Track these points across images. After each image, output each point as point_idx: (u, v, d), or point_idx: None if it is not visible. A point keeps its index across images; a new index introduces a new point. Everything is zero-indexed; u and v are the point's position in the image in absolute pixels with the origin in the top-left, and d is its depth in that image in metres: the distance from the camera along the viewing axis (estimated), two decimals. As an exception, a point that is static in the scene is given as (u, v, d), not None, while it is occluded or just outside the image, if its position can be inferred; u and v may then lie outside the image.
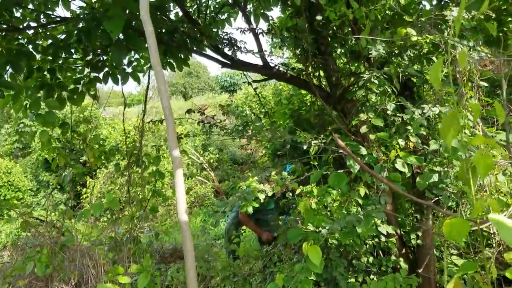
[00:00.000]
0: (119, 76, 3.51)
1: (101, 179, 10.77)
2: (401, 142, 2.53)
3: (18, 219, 3.08)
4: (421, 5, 3.59)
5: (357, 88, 2.75)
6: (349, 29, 3.27)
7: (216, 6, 4.34)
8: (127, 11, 2.78)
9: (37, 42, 3.30)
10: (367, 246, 2.99)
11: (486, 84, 2.42)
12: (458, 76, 2.21)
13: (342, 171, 2.58)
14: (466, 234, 0.96)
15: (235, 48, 3.67)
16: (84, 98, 3.57)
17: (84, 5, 3.34)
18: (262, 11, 4.01)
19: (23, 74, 3.17)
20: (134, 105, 21.60)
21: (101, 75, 3.51)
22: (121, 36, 2.94)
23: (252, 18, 4.01)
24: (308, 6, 3.24)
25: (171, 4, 3.75)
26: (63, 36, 3.31)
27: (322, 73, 3.75)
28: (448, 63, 1.16)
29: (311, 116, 4.59)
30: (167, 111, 0.87)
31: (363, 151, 2.63)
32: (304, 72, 3.61)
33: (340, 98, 3.33)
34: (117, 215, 3.80)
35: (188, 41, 3.81)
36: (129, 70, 3.52)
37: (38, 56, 3.29)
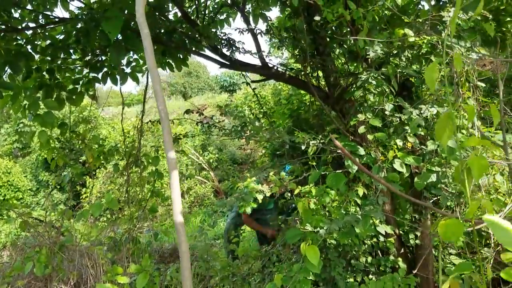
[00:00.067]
0: (117, 77, 3.51)
1: (100, 179, 10.77)
2: (399, 142, 2.54)
3: (17, 219, 3.08)
4: (419, 6, 3.60)
5: (355, 89, 2.75)
6: (348, 30, 3.27)
7: (215, 6, 4.34)
8: (126, 12, 2.79)
9: (36, 42, 3.30)
10: (366, 246, 3.00)
11: (483, 85, 2.42)
12: (455, 76, 2.22)
13: (340, 171, 2.59)
14: (461, 234, 0.96)
15: (234, 48, 3.68)
16: (83, 98, 3.57)
17: (83, 5, 3.35)
18: (261, 11, 4.01)
19: (22, 75, 3.17)
20: (134, 105, 21.59)
21: (100, 76, 3.51)
22: (119, 36, 2.94)
23: (251, 19, 4.02)
24: (306, 6, 3.25)
25: (170, 5, 3.75)
26: (61, 37, 3.31)
27: (320, 73, 3.75)
28: (444, 64, 1.16)
29: (310, 116, 4.60)
30: (163, 114, 0.88)
31: (362, 151, 2.64)
32: (302, 73, 3.61)
33: (338, 98, 3.33)
34: (117, 215, 3.81)
35: (187, 42, 3.82)
36: (127, 70, 3.53)
37: (37, 57, 3.29)
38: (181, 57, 4.01)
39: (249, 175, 2.80)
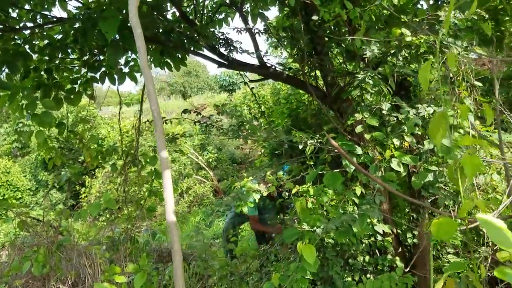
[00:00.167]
0: (116, 76, 3.51)
1: (100, 178, 10.78)
2: (396, 142, 2.54)
3: (15, 218, 3.08)
4: (418, 5, 3.60)
5: (352, 88, 2.76)
6: (346, 29, 3.27)
7: (214, 6, 4.34)
8: (123, 12, 2.79)
9: (34, 42, 3.30)
10: (364, 245, 3.00)
11: (480, 84, 2.43)
12: (452, 76, 2.22)
13: (338, 170, 2.59)
14: (454, 233, 0.96)
15: (231, 48, 3.68)
16: (81, 98, 3.57)
17: (81, 5, 3.35)
18: (259, 11, 4.01)
19: (19, 74, 3.17)
20: (134, 105, 21.61)
21: (98, 75, 3.51)
22: (117, 36, 2.94)
23: (249, 18, 4.02)
24: (304, 6, 3.25)
25: (168, 4, 3.75)
26: (59, 36, 3.31)
27: (318, 73, 3.75)
28: (440, 64, 1.16)
29: (308, 116, 4.60)
30: (155, 114, 0.88)
31: (359, 150, 2.64)
32: (300, 72, 3.61)
33: (336, 98, 3.34)
34: (116, 215, 3.81)
35: (185, 41, 3.82)
36: (126, 70, 3.52)
37: (34, 56, 3.29)
38: (180, 56, 4.01)
39: (246, 175, 2.80)
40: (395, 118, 2.62)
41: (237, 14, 4.05)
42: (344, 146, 2.66)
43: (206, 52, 3.86)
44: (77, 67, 3.60)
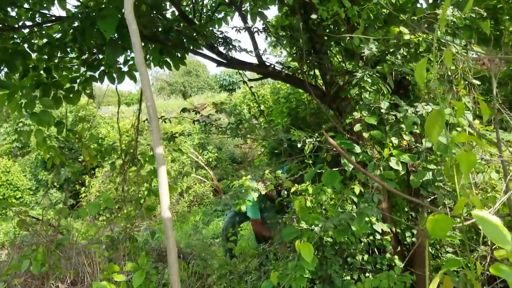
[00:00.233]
0: (115, 75, 3.51)
1: (100, 178, 10.78)
2: (395, 140, 2.54)
3: (15, 217, 3.09)
4: (418, 3, 3.60)
5: (351, 87, 2.76)
6: (345, 28, 3.27)
7: (213, 5, 4.34)
8: (122, 10, 2.78)
9: (33, 41, 3.30)
10: (362, 244, 3.00)
11: (479, 83, 2.43)
12: (450, 74, 2.22)
13: (336, 169, 2.59)
14: (449, 230, 0.96)
15: (230, 46, 3.68)
16: (80, 97, 3.57)
17: (80, 4, 3.35)
18: (258, 9, 4.01)
19: (18, 73, 3.17)
20: (134, 104, 21.57)
21: (97, 74, 3.51)
22: (116, 35, 2.94)
23: (249, 17, 4.02)
24: (302, 4, 3.25)
25: (167, 3, 3.75)
26: (58, 35, 3.31)
27: (317, 72, 3.75)
28: (437, 62, 1.16)
29: (307, 115, 4.60)
30: (151, 110, 0.89)
31: (358, 149, 2.64)
32: (299, 71, 3.61)
33: (335, 97, 3.34)
34: (116, 214, 3.81)
35: (184, 40, 3.82)
36: (125, 69, 3.52)
37: (33, 55, 3.29)
38: (179, 55, 4.00)
39: (245, 174, 2.80)
40: (393, 117, 2.62)
41: (236, 13, 4.05)
42: (342, 144, 2.66)
43: (205, 51, 3.86)
44: (76, 66, 3.60)
